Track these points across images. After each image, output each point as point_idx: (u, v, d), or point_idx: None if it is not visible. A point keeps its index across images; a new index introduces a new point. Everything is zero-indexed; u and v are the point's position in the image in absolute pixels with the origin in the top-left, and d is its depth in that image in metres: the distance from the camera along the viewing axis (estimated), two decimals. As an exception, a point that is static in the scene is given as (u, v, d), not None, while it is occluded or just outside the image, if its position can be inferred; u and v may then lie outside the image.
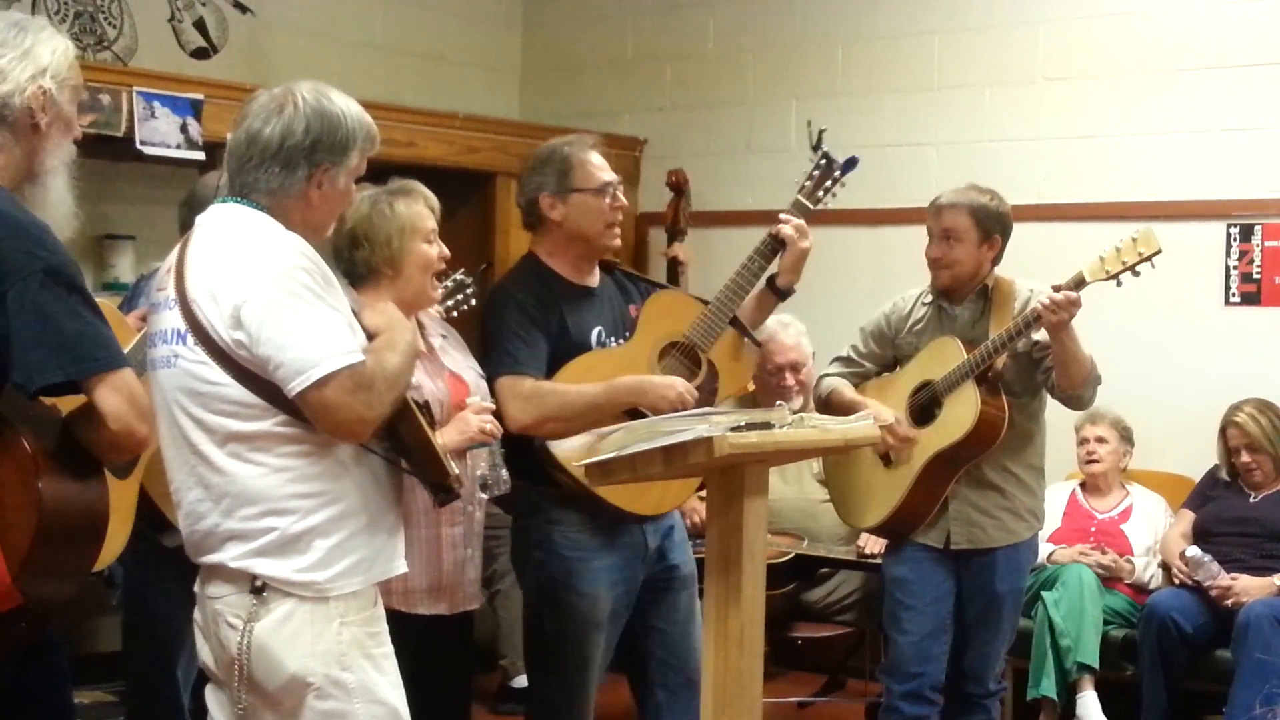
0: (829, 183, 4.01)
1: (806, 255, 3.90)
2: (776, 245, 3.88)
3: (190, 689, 3.82)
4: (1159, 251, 3.93)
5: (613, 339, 3.79)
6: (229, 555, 2.62)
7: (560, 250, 3.77)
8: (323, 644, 2.61)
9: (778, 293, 3.95)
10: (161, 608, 3.75)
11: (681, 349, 3.81)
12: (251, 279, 2.54)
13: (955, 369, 4.07)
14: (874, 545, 5.04)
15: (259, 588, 2.60)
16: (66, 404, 2.55)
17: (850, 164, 4.04)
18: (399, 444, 2.73)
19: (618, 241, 3.82)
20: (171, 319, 2.64)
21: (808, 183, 4.01)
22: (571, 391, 3.64)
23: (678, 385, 3.66)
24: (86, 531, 2.57)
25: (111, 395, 2.46)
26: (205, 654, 2.75)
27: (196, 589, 2.74)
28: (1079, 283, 3.95)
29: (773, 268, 3.93)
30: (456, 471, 2.81)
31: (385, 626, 2.75)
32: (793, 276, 3.92)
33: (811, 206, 3.97)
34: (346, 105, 2.70)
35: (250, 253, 2.58)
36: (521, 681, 5.50)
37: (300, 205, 2.68)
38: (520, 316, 3.67)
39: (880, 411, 4.07)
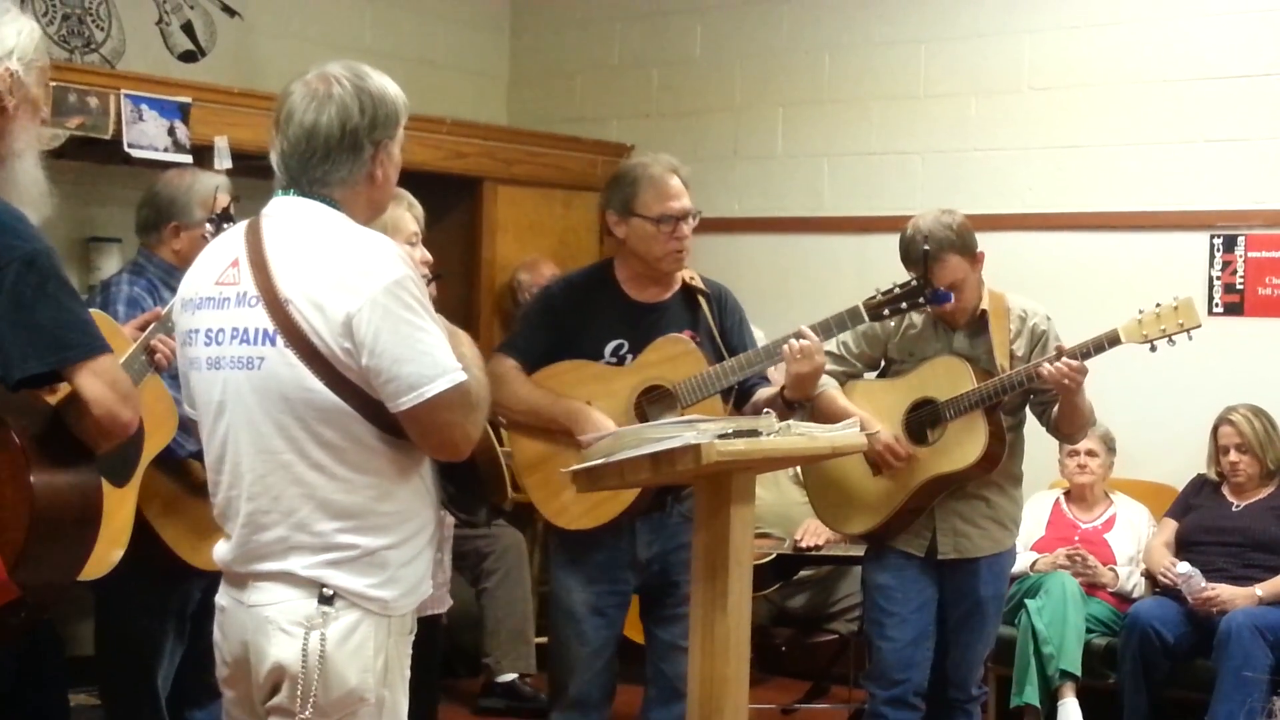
0: (905, 304, 3.80)
1: (809, 378, 3.74)
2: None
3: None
4: (1199, 325, 3.94)
5: (631, 357, 3.85)
6: (299, 564, 2.50)
7: (623, 263, 3.93)
8: (380, 660, 2.53)
9: (787, 404, 3.78)
10: (140, 618, 3.73)
11: (664, 395, 3.81)
12: (363, 287, 2.43)
13: (965, 396, 4.03)
14: (810, 539, 5.20)
15: (328, 596, 2.48)
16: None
17: (942, 298, 3.86)
18: (470, 462, 2.65)
19: (678, 266, 3.88)
20: (253, 317, 2.50)
21: (883, 294, 3.80)
22: (524, 389, 3.84)
23: (606, 426, 3.70)
24: (81, 520, 2.53)
25: (93, 381, 2.43)
26: (227, 670, 2.63)
27: (223, 599, 2.63)
28: (1112, 340, 3.94)
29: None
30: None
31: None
32: (795, 392, 3.77)
33: (868, 320, 3.82)
34: (381, 77, 2.63)
35: (356, 258, 2.48)
36: (506, 676, 5.54)
37: (367, 188, 2.61)
38: (541, 307, 4.02)
39: (876, 428, 4.05)
